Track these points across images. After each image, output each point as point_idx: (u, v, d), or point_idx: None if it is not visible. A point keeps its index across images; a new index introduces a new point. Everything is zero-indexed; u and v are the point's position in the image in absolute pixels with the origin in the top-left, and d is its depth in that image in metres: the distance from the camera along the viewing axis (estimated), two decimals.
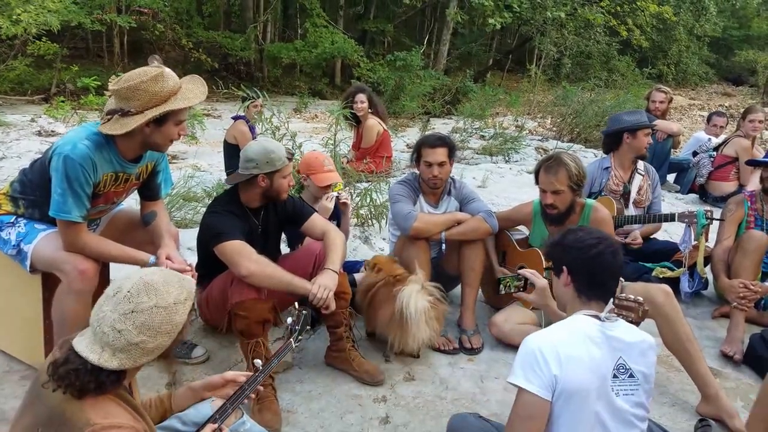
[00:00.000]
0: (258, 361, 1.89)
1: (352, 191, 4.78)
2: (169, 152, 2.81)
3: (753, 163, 3.82)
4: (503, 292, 2.48)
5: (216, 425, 1.65)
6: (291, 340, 2.09)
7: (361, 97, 6.02)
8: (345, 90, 7.43)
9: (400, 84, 12.56)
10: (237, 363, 2.68)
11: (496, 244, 3.25)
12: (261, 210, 2.68)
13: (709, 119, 6.48)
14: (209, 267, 2.55)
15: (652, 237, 3.83)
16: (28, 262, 2.26)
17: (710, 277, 3.50)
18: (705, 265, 3.36)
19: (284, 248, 3.13)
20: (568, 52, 17.79)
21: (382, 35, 18.60)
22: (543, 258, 2.95)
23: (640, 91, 11.91)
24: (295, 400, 2.48)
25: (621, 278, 2.55)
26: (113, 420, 1.38)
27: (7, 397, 2.36)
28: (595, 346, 1.68)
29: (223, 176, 5.55)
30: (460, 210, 3.13)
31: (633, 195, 3.70)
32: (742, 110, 6.93)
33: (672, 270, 3.43)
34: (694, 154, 5.97)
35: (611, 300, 1.79)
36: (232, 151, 5.52)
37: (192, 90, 2.21)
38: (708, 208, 3.94)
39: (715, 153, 5.66)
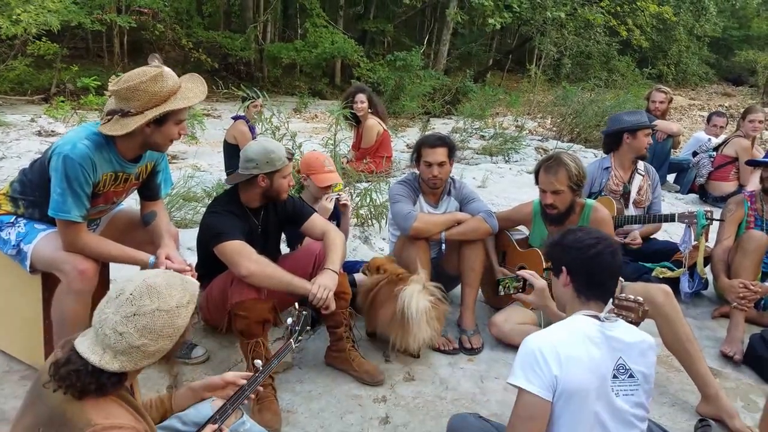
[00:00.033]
0: (258, 362, 1.89)
1: (352, 191, 4.78)
2: (169, 152, 2.82)
3: (753, 163, 3.82)
4: (502, 293, 2.48)
5: (216, 426, 1.66)
6: (291, 340, 2.09)
7: (361, 97, 6.02)
8: (345, 90, 7.43)
9: (400, 84, 12.56)
10: (237, 363, 2.68)
11: (496, 244, 3.25)
12: (261, 210, 2.68)
13: (709, 119, 6.48)
14: (209, 267, 2.55)
15: (652, 237, 3.83)
16: (27, 262, 2.26)
17: (710, 277, 3.50)
18: (705, 266, 3.36)
19: (284, 248, 3.13)
20: (568, 52, 17.78)
21: (382, 35, 18.59)
22: (543, 258, 2.95)
23: (640, 92, 11.91)
24: (295, 400, 2.48)
25: (621, 278, 2.55)
26: (114, 421, 1.38)
27: (7, 397, 2.36)
28: (594, 346, 1.68)
29: (223, 176, 5.54)
30: (460, 210, 3.13)
31: (633, 195, 3.70)
32: (742, 110, 6.93)
33: (672, 270, 3.43)
34: (694, 154, 5.97)
35: (611, 300, 1.79)
36: (232, 151, 5.52)
37: (192, 89, 2.21)
38: (708, 208, 3.94)
39: (715, 153, 5.66)
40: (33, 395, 1.47)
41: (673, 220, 3.50)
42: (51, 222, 2.24)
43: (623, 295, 2.07)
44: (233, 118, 5.89)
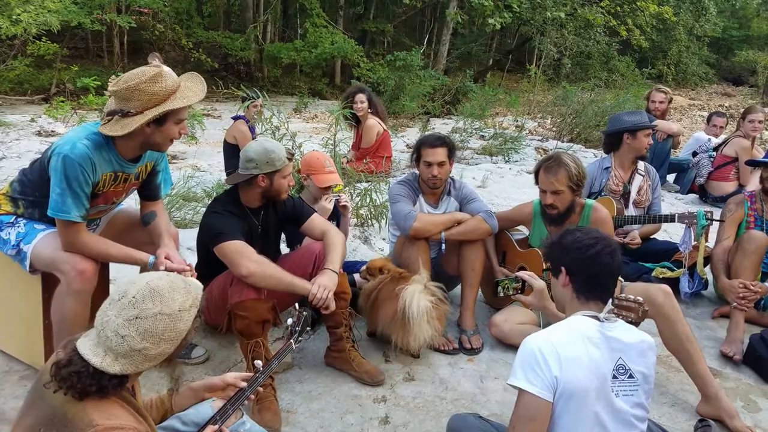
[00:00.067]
0: (258, 362, 1.88)
1: (352, 191, 4.78)
2: (168, 152, 2.82)
3: (753, 163, 3.82)
4: (501, 294, 2.48)
5: (216, 426, 1.65)
6: (291, 341, 2.09)
7: (361, 97, 6.02)
8: (345, 90, 7.44)
9: (400, 84, 12.55)
10: (237, 363, 2.68)
11: (496, 244, 3.25)
12: (261, 210, 2.68)
13: (708, 119, 6.49)
14: (209, 267, 2.55)
15: (652, 237, 3.83)
16: (27, 262, 2.26)
17: (710, 277, 3.50)
18: (705, 266, 3.36)
19: (284, 248, 3.13)
20: (568, 52, 17.78)
21: (381, 35, 18.59)
22: (543, 258, 2.95)
23: (640, 92, 11.90)
24: (295, 400, 2.48)
25: (621, 278, 2.55)
26: (115, 421, 1.37)
27: (6, 397, 2.36)
28: (594, 346, 1.68)
29: (223, 176, 5.54)
30: (460, 210, 3.13)
31: (633, 195, 3.70)
32: (742, 110, 6.93)
33: (672, 270, 3.44)
34: (694, 154, 5.97)
35: (610, 300, 1.79)
36: (231, 151, 5.52)
37: (191, 88, 2.21)
38: (708, 208, 3.94)
39: (714, 153, 5.66)
40: (34, 395, 1.47)
41: (673, 221, 3.50)
42: (51, 222, 2.24)
43: (623, 295, 2.07)
44: (233, 118, 5.89)
